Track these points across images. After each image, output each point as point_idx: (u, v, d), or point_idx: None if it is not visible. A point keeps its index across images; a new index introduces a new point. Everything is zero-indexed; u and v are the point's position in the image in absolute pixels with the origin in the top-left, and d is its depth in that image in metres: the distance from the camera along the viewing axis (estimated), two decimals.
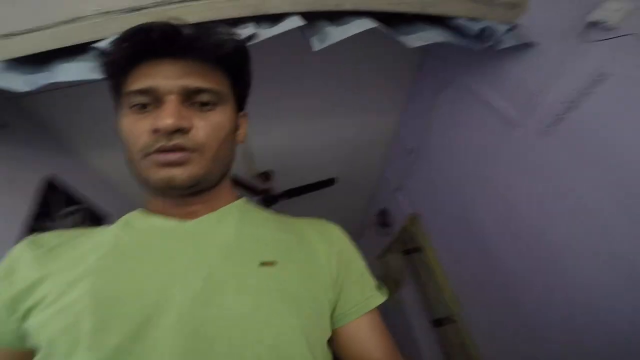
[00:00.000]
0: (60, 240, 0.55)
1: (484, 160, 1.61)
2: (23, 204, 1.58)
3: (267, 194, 2.56)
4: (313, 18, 1.11)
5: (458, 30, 1.26)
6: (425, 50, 1.81)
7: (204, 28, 0.55)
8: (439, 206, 2.11)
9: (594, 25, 1.04)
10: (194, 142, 0.52)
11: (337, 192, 2.99)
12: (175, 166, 0.51)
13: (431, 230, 2.24)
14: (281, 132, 2.29)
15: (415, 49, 1.27)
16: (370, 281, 0.63)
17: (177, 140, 0.50)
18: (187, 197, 0.56)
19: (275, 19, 1.09)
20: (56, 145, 1.85)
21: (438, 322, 2.22)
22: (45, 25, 1.00)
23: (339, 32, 1.09)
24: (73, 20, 1.01)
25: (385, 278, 3.16)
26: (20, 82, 1.03)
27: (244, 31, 1.05)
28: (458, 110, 1.74)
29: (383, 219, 3.05)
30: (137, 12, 1.03)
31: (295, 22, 1.04)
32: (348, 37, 1.09)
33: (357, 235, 4.13)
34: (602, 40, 1.02)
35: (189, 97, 0.53)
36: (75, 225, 1.81)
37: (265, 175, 2.60)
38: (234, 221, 0.58)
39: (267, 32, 1.07)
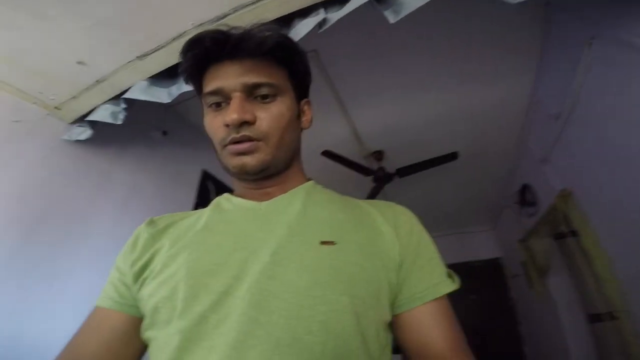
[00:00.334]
0: (171, 221, 0.64)
1: None
2: (189, 193, 2.06)
3: (381, 173, 2.46)
4: None
5: None
6: (553, 6, 1.57)
7: (249, 29, 0.61)
8: (599, 182, 1.73)
9: None
10: (258, 132, 0.57)
11: (464, 168, 2.73)
12: (245, 154, 0.57)
13: (590, 211, 1.86)
14: (392, 109, 2.22)
15: (540, 6, 1.11)
16: (440, 267, 0.60)
17: (245, 132, 0.56)
18: (261, 180, 0.62)
19: (342, 0, 1.09)
20: (206, 143, 2.27)
21: (595, 318, 1.94)
22: (162, 44, 1.24)
23: None
24: (180, 36, 1.22)
25: (527, 265, 2.73)
26: (164, 95, 1.30)
27: (315, 18, 1.08)
28: (615, 68, 1.42)
29: (525, 197, 2.59)
30: (222, 20, 1.17)
31: None
32: (459, 4, 0.97)
33: (493, 216, 3.65)
34: None
35: (251, 92, 0.58)
36: None
37: (377, 155, 2.50)
38: (300, 202, 0.61)
39: (336, 15, 1.08)
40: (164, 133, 1.84)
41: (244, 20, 1.15)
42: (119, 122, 1.36)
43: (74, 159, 1.49)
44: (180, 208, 1.88)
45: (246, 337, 0.45)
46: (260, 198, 0.63)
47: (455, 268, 0.61)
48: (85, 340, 0.55)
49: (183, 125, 2.07)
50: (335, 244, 0.54)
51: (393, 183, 2.62)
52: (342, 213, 0.61)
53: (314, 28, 1.10)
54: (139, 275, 0.56)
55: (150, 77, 1.31)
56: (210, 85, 0.59)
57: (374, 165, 2.55)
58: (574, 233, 2.09)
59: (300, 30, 1.11)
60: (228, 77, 0.58)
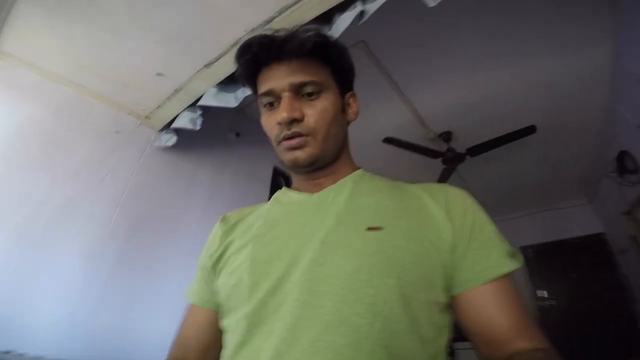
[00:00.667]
0: (239, 217, 0.72)
1: None
2: (264, 189, 2.22)
3: (450, 154, 2.37)
4: None
5: None
6: None
7: (291, 32, 0.65)
8: None
9: None
10: (307, 128, 0.61)
11: (544, 142, 2.51)
12: (297, 149, 0.62)
13: None
14: (455, 90, 2.16)
15: None
16: (499, 247, 0.58)
17: (295, 129, 0.61)
18: (312, 172, 0.67)
19: None
20: None
21: None
22: (223, 51, 1.36)
23: None
24: (236, 43, 1.33)
25: (637, 238, 2.38)
26: (232, 99, 1.43)
27: (353, 12, 1.12)
28: None
29: (624, 164, 2.28)
30: (270, 23, 1.26)
31: None
32: None
33: (588, 189, 3.25)
34: None
35: (298, 91, 0.62)
36: None
37: (445, 136, 2.41)
38: (347, 192, 0.64)
39: (373, 5, 1.10)
40: (237, 135, 2.00)
41: (288, 20, 1.23)
42: (198, 128, 1.52)
43: (165, 164, 1.70)
44: (257, 204, 2.05)
45: (299, 320, 0.49)
46: (312, 189, 0.67)
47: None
48: (187, 335, 0.66)
49: (253, 126, 2.21)
50: (382, 229, 0.56)
51: (467, 163, 2.49)
52: (389, 199, 0.63)
53: (353, 21, 1.12)
54: (216, 267, 0.64)
55: (218, 84, 1.44)
56: (262, 87, 0.65)
57: (442, 147, 2.46)
58: None
59: (340, 26, 1.15)
60: (277, 79, 0.63)
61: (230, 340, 0.55)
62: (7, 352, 0.93)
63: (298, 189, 0.70)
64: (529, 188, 3.30)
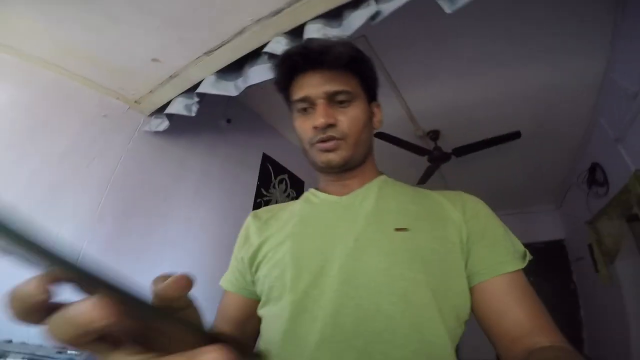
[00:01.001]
0: (270, 214, 0.77)
1: None
2: (253, 175, 2.21)
3: (437, 153, 2.42)
4: None
5: None
6: None
7: (327, 44, 0.69)
8: None
9: None
10: (340, 132, 0.67)
11: (526, 147, 2.60)
12: (330, 151, 0.68)
13: None
14: (448, 90, 2.18)
15: None
16: (507, 248, 0.63)
17: (329, 133, 0.67)
18: (341, 173, 0.73)
19: None
20: (266, 129, 2.43)
21: None
22: (226, 40, 1.31)
23: None
24: (241, 32, 1.28)
25: (593, 247, 2.59)
26: (232, 88, 1.39)
27: (367, 10, 1.09)
28: None
29: (595, 176, 2.43)
30: (278, 14, 1.21)
31: None
32: None
33: (558, 195, 3.44)
34: None
35: (332, 99, 0.68)
36: (284, 190, 2.44)
37: (433, 135, 2.45)
38: (374, 196, 0.70)
39: (389, 7, 1.08)
40: (229, 121, 1.94)
41: (296, 12, 1.20)
42: (193, 114, 1.46)
43: (153, 148, 1.64)
44: (245, 189, 2.09)
45: (340, 308, 0.55)
46: (340, 191, 0.73)
47: None
48: (224, 315, 0.72)
49: (244, 113, 2.17)
50: (408, 230, 0.62)
51: (450, 163, 2.56)
52: (413, 204, 0.69)
53: (366, 21, 1.10)
54: (253, 260, 0.69)
55: (217, 72, 1.39)
56: (297, 93, 0.70)
57: (429, 145, 2.50)
58: None
59: (352, 23, 1.12)
60: (312, 87, 0.68)
61: (273, 326, 0.61)
62: (9, 342, 0.91)
63: (326, 191, 0.76)
64: (506, 190, 3.46)
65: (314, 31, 1.15)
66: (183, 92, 1.48)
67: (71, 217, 1.30)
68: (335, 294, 0.56)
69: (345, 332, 0.54)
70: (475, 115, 2.35)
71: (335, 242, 0.63)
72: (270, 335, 0.61)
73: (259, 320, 0.67)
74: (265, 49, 1.23)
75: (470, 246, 0.63)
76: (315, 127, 0.67)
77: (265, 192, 2.22)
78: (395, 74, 2.05)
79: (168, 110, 1.51)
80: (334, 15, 1.18)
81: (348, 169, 0.72)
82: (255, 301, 0.69)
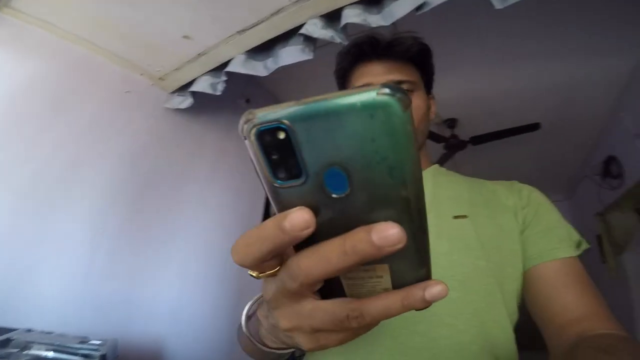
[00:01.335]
0: None
1: None
2: None
3: (453, 141, 2.41)
4: None
5: None
6: None
7: (396, 36, 0.72)
8: None
9: None
10: None
11: (542, 138, 2.58)
12: None
13: None
14: (469, 80, 2.16)
15: None
16: (561, 235, 0.63)
17: None
18: None
19: None
20: None
21: None
22: (262, 19, 1.25)
23: None
24: (279, 11, 1.23)
25: (602, 239, 2.61)
26: (261, 68, 1.34)
27: (412, 0, 1.04)
28: None
29: (609, 169, 2.43)
30: None
31: None
32: None
33: (569, 186, 3.44)
34: None
35: None
36: None
37: (450, 122, 2.43)
38: (430, 184, 0.70)
39: None
40: (247, 101, 1.91)
41: None
42: (218, 93, 1.43)
43: (174, 126, 1.61)
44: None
45: None
46: None
47: None
48: None
49: (262, 93, 2.12)
50: (466, 217, 0.63)
51: (464, 151, 2.55)
52: (467, 192, 0.70)
53: (411, 11, 1.05)
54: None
55: (247, 51, 1.34)
56: (360, 80, 0.71)
57: (446, 132, 2.49)
58: None
59: (394, 12, 1.08)
60: (376, 75, 0.70)
61: None
62: (29, 331, 0.90)
63: None
64: (515, 180, 3.45)
65: (353, 16, 1.10)
66: (210, 71, 1.44)
67: (90, 194, 1.28)
68: None
69: (405, 317, 0.54)
70: (494, 105, 2.33)
71: None
72: None
73: None
74: (301, 31, 1.19)
75: (526, 232, 0.64)
76: None
77: None
78: None
79: (193, 87, 1.48)
80: (374, 1, 1.14)
81: None
82: None
